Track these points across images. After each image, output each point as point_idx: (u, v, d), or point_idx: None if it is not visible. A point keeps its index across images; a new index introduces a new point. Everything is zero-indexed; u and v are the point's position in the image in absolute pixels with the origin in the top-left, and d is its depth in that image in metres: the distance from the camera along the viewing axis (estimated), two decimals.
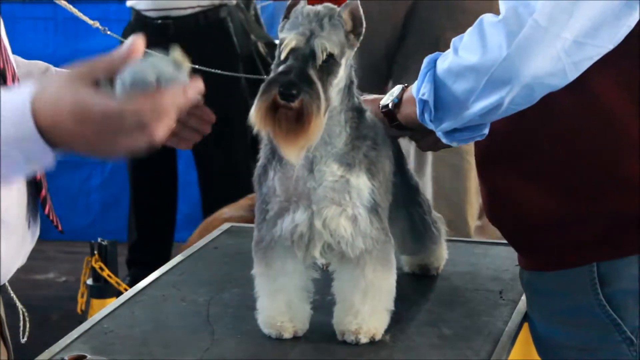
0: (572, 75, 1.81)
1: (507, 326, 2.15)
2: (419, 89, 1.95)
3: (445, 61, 1.91)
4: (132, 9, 4.93)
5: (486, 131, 1.94)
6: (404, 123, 2.11)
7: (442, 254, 2.44)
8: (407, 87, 2.10)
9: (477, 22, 1.85)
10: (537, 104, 1.85)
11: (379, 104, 2.14)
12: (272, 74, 1.94)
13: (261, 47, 5.16)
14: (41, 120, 1.43)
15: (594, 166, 1.90)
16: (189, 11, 4.83)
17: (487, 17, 1.84)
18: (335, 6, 1.98)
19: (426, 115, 1.95)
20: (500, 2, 1.83)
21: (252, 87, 4.90)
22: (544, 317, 2.04)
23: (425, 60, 1.95)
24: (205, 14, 4.85)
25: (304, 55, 1.91)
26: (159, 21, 4.81)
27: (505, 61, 1.79)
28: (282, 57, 1.94)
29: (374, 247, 2.03)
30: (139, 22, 4.85)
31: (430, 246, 2.38)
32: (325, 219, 2.01)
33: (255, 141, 5.80)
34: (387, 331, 2.08)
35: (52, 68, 2.21)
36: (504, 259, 2.54)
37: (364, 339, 2.05)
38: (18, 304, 2.00)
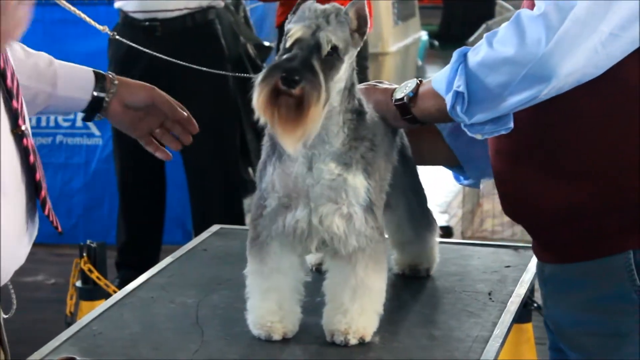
0: (605, 67, 1.85)
1: (497, 327, 2.15)
2: (451, 82, 1.95)
3: (477, 54, 1.92)
4: (120, 10, 4.92)
5: (511, 125, 1.94)
6: (419, 117, 2.10)
7: (434, 256, 2.44)
8: (421, 81, 2.10)
9: (514, 16, 1.88)
10: (563, 95, 1.88)
11: (391, 95, 2.14)
12: (276, 61, 1.94)
13: (250, 49, 5.16)
14: None
15: (624, 154, 1.92)
16: (176, 13, 4.81)
17: (525, 12, 1.87)
18: (342, 6, 2.00)
19: (458, 108, 1.94)
20: None
21: (240, 88, 4.89)
22: (570, 308, 2.05)
23: (455, 55, 1.96)
24: (193, 16, 4.84)
25: (308, 46, 1.93)
26: (147, 23, 4.80)
27: (545, 57, 1.82)
28: (287, 45, 1.95)
29: (368, 246, 2.04)
30: (127, 24, 4.84)
31: (426, 236, 2.39)
32: (321, 216, 2.02)
33: (244, 142, 5.76)
34: (376, 333, 2.09)
35: (55, 62, 2.23)
36: (493, 260, 2.55)
37: (353, 340, 2.05)
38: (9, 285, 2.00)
